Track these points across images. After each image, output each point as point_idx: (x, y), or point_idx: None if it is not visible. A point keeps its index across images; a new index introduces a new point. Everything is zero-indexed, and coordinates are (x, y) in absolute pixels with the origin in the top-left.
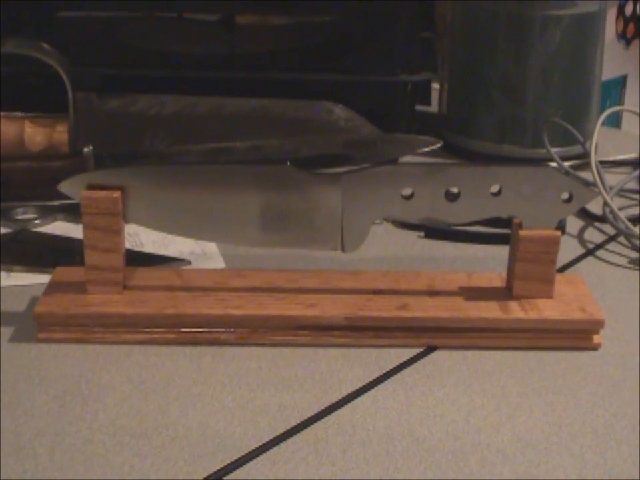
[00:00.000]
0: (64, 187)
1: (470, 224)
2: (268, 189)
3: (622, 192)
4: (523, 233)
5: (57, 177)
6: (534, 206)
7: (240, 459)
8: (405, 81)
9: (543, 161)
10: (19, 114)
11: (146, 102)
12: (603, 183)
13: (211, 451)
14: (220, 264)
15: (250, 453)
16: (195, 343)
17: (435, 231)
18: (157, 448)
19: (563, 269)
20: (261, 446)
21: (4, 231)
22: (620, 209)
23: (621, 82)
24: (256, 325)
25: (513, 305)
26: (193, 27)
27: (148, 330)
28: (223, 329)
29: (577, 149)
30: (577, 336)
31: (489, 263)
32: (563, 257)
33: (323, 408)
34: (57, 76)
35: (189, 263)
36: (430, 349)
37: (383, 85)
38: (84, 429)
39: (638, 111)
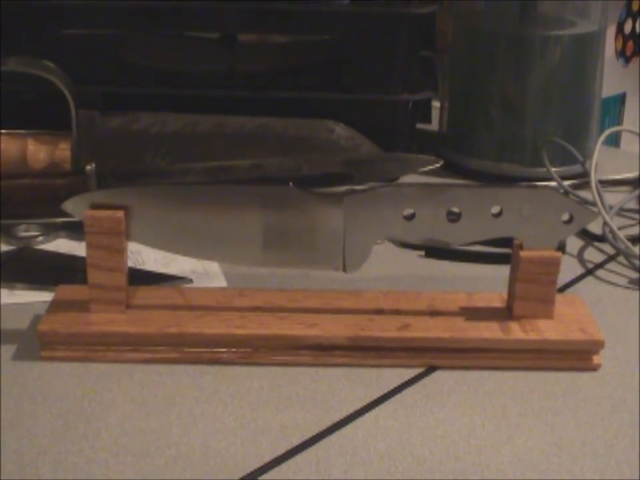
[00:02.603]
0: (68, 206)
1: (471, 244)
2: (270, 208)
3: (622, 211)
4: (523, 253)
5: (60, 195)
6: (534, 227)
7: (241, 478)
8: (406, 100)
9: (542, 180)
10: (21, 131)
11: (148, 120)
12: (602, 202)
13: (213, 470)
14: (222, 283)
15: (251, 472)
16: (197, 362)
17: (436, 251)
18: (159, 467)
19: (562, 289)
20: (262, 466)
21: (6, 248)
22: (620, 228)
23: (620, 99)
24: (258, 344)
25: (513, 326)
26: (195, 45)
27: (150, 349)
28: (225, 349)
29: (576, 168)
30: (577, 356)
31: (489, 282)
32: (562, 277)
33: (324, 428)
34: (60, 94)
35: (191, 281)
36: (431, 369)
37: (383, 104)
38: (86, 448)
39: (638, 130)
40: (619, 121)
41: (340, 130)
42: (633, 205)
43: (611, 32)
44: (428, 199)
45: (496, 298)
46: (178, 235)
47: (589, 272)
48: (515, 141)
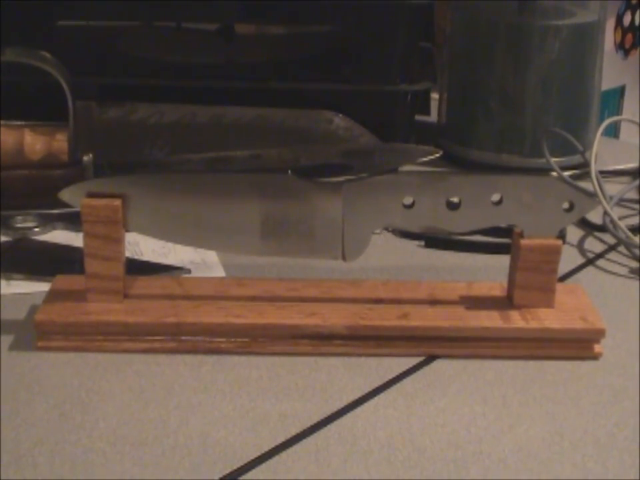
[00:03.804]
0: (64, 195)
1: (470, 233)
2: (268, 197)
3: (622, 201)
4: (523, 242)
5: (57, 186)
6: (535, 215)
7: (240, 467)
8: (404, 91)
9: (542, 171)
10: (18, 122)
11: (145, 111)
12: (603, 192)
13: (211, 459)
14: (220, 273)
15: (250, 462)
16: (195, 351)
17: (436, 240)
18: (157, 457)
19: (563, 279)
20: (261, 455)
21: (4, 239)
22: (620, 218)
23: (619, 92)
24: (256, 333)
25: (514, 315)
26: (192, 36)
27: (148, 338)
28: (223, 338)
29: (576, 159)
30: (578, 345)
31: (489, 272)
32: (563, 267)
33: (323, 417)
34: (57, 85)
35: (189, 271)
36: (431, 358)
37: (382, 95)
38: (84, 438)
39: (637, 120)
40: (618, 113)
41: (338, 121)
42: (632, 195)
43: (610, 24)
44: (428, 187)
45: (496, 287)
46: (176, 224)
47: (590, 262)
48: (514, 131)
